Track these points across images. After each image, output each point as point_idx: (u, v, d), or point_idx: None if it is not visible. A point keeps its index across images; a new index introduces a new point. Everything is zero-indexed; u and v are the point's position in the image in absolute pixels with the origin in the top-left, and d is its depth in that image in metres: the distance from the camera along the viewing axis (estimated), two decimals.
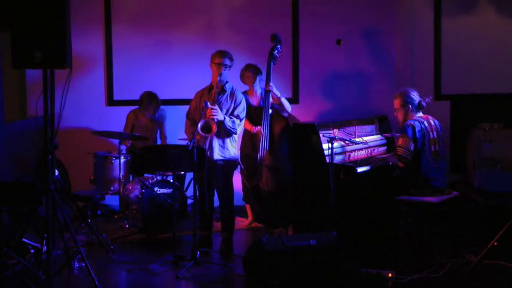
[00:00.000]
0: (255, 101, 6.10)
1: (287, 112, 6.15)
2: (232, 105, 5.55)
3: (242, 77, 6.16)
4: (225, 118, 5.42)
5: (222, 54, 5.55)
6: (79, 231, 5.75)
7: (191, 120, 5.65)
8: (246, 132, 6.06)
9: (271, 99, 5.94)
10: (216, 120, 5.34)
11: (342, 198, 5.18)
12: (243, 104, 5.60)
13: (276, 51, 5.92)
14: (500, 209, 5.82)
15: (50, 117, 4.53)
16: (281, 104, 6.12)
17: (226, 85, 5.56)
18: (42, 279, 4.49)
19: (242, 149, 6.11)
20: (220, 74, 5.47)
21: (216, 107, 5.40)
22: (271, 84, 5.88)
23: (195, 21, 7.18)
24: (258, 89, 6.10)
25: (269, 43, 5.99)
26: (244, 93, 6.09)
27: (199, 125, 5.31)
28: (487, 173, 6.63)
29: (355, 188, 5.33)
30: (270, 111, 5.86)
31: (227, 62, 5.52)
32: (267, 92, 5.88)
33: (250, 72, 6.11)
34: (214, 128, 5.35)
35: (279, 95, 6.07)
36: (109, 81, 7.09)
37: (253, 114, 5.96)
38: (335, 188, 5.09)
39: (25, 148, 6.20)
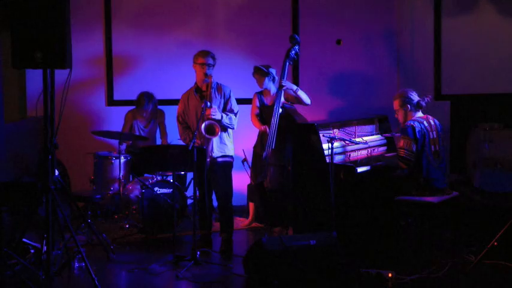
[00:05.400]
0: (268, 101, 6.07)
1: (305, 105, 6.07)
2: (222, 100, 5.65)
3: (256, 81, 6.16)
4: (222, 116, 5.50)
5: (205, 54, 5.65)
6: (79, 231, 5.75)
7: (183, 123, 5.70)
8: (258, 131, 6.10)
9: (283, 99, 5.87)
10: (214, 119, 5.42)
11: (342, 198, 5.18)
12: (233, 97, 5.71)
13: (294, 51, 5.88)
14: (500, 209, 5.82)
15: (50, 117, 4.53)
16: (298, 99, 6.04)
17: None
18: (42, 279, 4.48)
19: (254, 147, 6.18)
20: (206, 74, 5.56)
21: (215, 107, 5.49)
22: (284, 82, 5.84)
23: (194, 21, 7.18)
24: (272, 88, 6.07)
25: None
26: (260, 93, 6.11)
27: (202, 126, 5.34)
28: (487, 173, 6.63)
29: (355, 188, 5.33)
30: (280, 110, 5.82)
31: (210, 61, 5.61)
32: (278, 90, 5.85)
33: (257, 75, 6.08)
34: (218, 131, 5.42)
35: (294, 88, 5.98)
36: (109, 81, 7.08)
37: (266, 114, 5.95)
38: (335, 188, 5.09)
39: (25, 148, 6.19)
